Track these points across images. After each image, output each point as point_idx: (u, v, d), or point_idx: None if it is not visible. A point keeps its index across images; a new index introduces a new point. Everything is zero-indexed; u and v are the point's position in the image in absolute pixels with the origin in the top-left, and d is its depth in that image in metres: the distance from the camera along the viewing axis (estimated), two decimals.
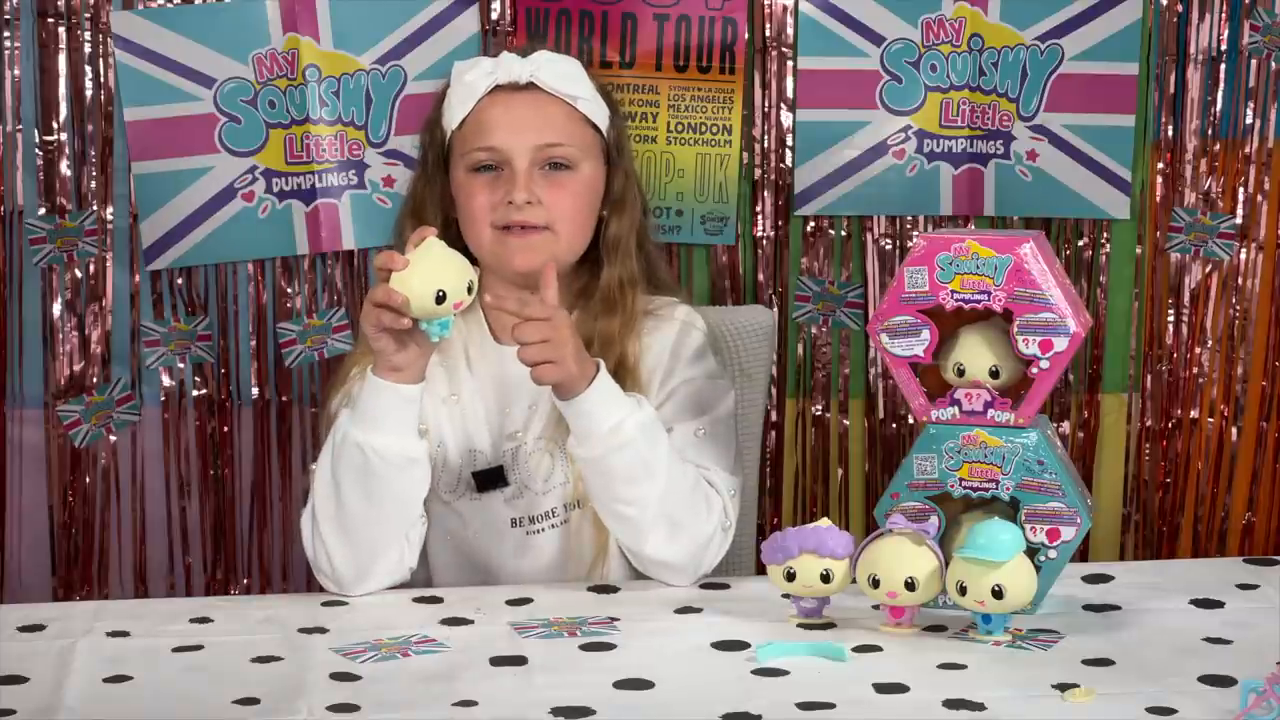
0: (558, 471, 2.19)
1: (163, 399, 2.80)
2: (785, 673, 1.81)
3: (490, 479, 2.20)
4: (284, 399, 2.81)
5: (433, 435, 2.20)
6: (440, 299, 1.97)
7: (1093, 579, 2.10)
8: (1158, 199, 2.86)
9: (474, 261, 2.21)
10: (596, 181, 2.24)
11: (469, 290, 1.99)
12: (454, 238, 2.20)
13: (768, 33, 2.80)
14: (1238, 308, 2.87)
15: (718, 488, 2.15)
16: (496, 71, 2.22)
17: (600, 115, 2.26)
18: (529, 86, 2.22)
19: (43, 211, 2.74)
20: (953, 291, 1.93)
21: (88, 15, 2.71)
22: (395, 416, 2.04)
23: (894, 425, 2.89)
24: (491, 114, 2.21)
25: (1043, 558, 1.95)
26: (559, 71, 2.23)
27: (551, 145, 2.20)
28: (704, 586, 2.12)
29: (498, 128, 2.20)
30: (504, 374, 2.22)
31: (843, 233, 2.85)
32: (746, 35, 2.79)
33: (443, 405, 2.22)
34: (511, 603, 2.06)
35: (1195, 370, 2.89)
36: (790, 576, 1.96)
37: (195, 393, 2.81)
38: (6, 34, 2.70)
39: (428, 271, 1.98)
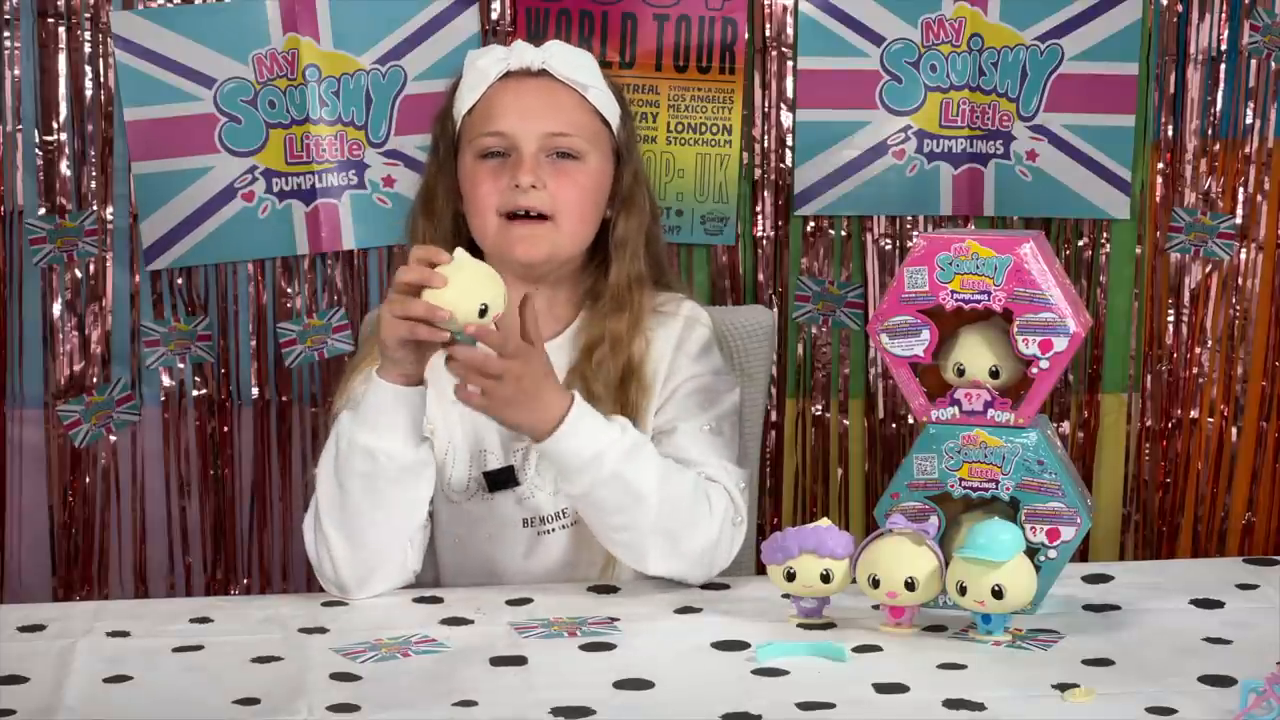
0: None
1: (163, 399, 2.80)
2: (785, 673, 1.81)
3: (501, 479, 2.19)
4: (284, 399, 2.81)
5: (441, 436, 2.20)
6: (483, 313, 1.96)
7: (1093, 579, 2.10)
8: (1158, 199, 2.86)
9: (478, 253, 2.22)
10: (603, 175, 2.24)
11: (504, 300, 1.99)
12: (466, 232, 2.20)
13: (768, 33, 2.80)
14: (1238, 308, 2.87)
15: (724, 484, 2.14)
16: (509, 58, 2.22)
17: (610, 109, 2.25)
18: (540, 73, 2.22)
19: (43, 211, 2.74)
20: (953, 291, 1.93)
21: (88, 15, 2.72)
22: (405, 420, 2.04)
23: (894, 425, 2.89)
24: (501, 99, 2.21)
25: (1043, 558, 1.95)
26: (571, 61, 2.23)
27: (560, 134, 2.19)
28: (704, 586, 2.11)
29: (507, 113, 2.20)
30: None
31: (843, 233, 2.85)
32: (746, 35, 2.79)
33: (452, 407, 2.21)
34: (511, 603, 2.06)
35: (1195, 370, 2.89)
36: (790, 576, 1.96)
37: (195, 393, 2.81)
38: (6, 34, 2.70)
39: (468, 286, 1.97)
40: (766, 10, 2.80)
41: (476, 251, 2.22)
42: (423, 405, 2.06)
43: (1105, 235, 2.85)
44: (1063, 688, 1.75)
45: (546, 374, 2.03)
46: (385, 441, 2.03)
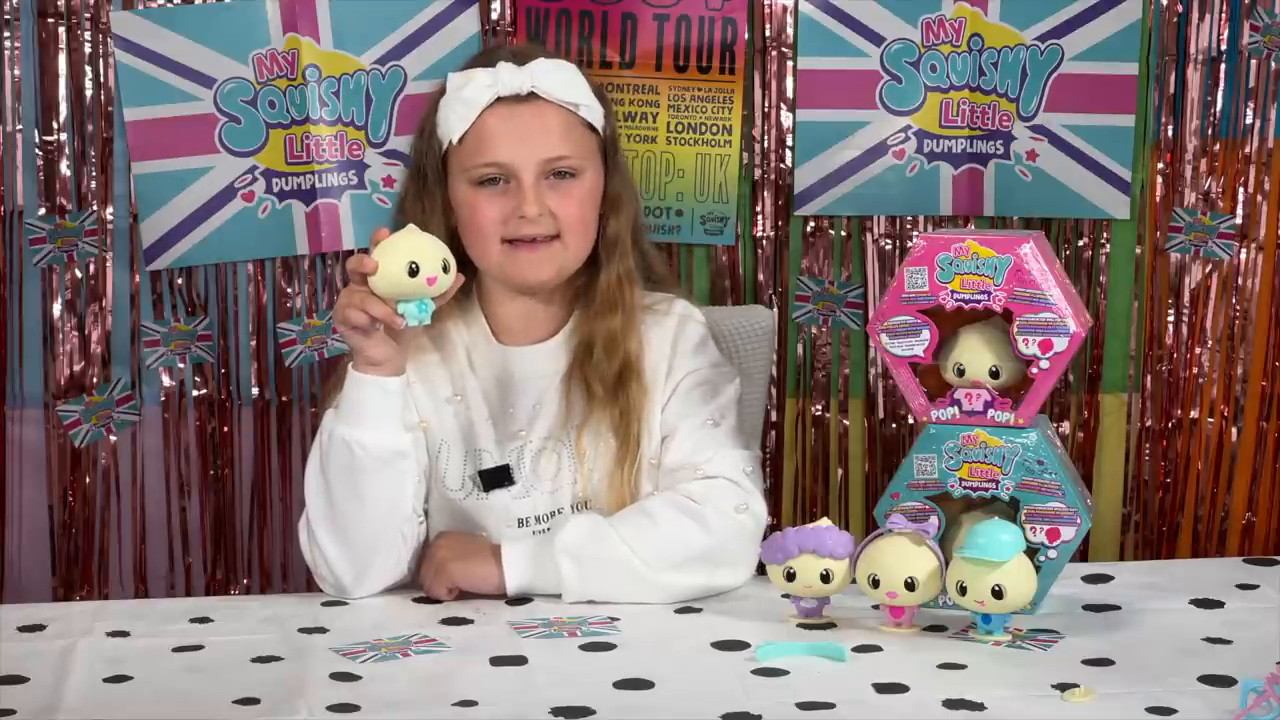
0: (564, 470, 2.19)
1: (163, 399, 2.80)
2: (785, 673, 1.81)
3: (496, 478, 2.20)
4: (284, 399, 2.81)
5: (435, 435, 2.20)
6: (413, 271, 1.97)
7: (1093, 579, 2.10)
8: (1158, 199, 2.85)
9: (468, 266, 2.21)
10: (598, 185, 2.24)
11: (444, 269, 1.99)
12: (457, 250, 2.19)
13: (768, 33, 2.80)
14: (1238, 308, 2.87)
15: (724, 476, 2.13)
16: (496, 84, 2.20)
17: (598, 117, 2.25)
18: (530, 96, 2.21)
19: (43, 211, 2.74)
20: (953, 291, 1.93)
21: (88, 15, 2.71)
22: (378, 410, 2.06)
23: (894, 425, 2.89)
24: (494, 127, 2.19)
25: (1043, 558, 1.95)
26: (559, 79, 2.21)
27: (558, 158, 2.19)
28: None
29: (502, 142, 2.18)
30: (507, 373, 2.22)
31: (843, 233, 2.85)
32: (746, 35, 2.79)
33: (446, 405, 2.22)
34: (511, 603, 2.06)
35: (1195, 370, 2.88)
36: (790, 576, 1.96)
37: (195, 393, 2.81)
38: (6, 34, 2.70)
39: (400, 247, 1.98)
40: (766, 10, 2.79)
41: (462, 265, 2.21)
42: (400, 395, 2.07)
43: (1105, 235, 2.85)
44: (1063, 688, 1.75)
45: (468, 534, 2.17)
46: (361, 432, 2.05)
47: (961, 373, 1.97)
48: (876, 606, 1.96)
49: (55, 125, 2.73)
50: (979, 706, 1.71)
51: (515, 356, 2.23)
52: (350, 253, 2.78)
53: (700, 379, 2.22)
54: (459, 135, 2.20)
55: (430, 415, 2.20)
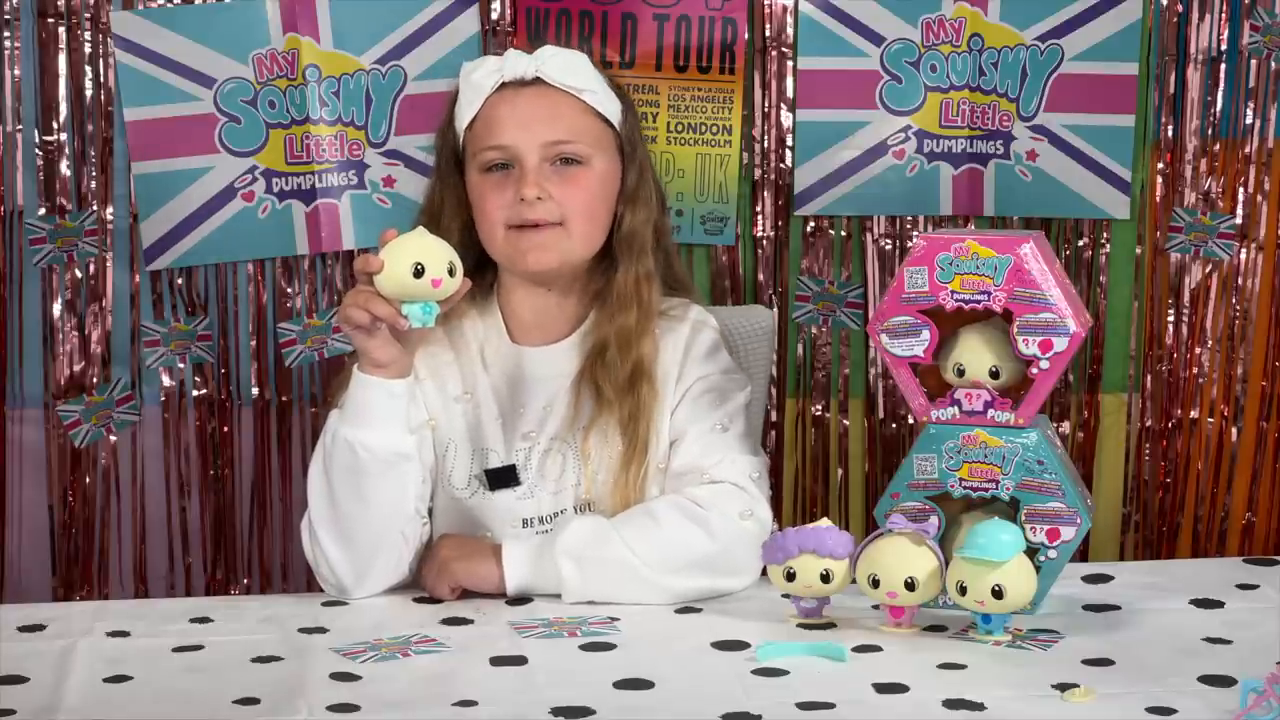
0: (569, 472, 2.18)
1: (163, 399, 2.80)
2: (785, 673, 1.81)
3: (502, 478, 2.19)
4: (284, 399, 2.81)
5: (443, 433, 2.20)
6: (418, 272, 1.97)
7: (1093, 579, 2.10)
8: (1158, 199, 2.86)
9: (491, 263, 2.21)
10: (611, 176, 2.23)
11: (450, 272, 1.99)
12: (474, 242, 2.19)
13: (768, 33, 2.80)
14: (1238, 308, 2.87)
15: (730, 480, 2.13)
16: (503, 69, 2.21)
17: (611, 108, 2.24)
18: (535, 82, 2.21)
19: (43, 211, 2.74)
20: (953, 291, 1.93)
21: (88, 15, 2.72)
22: (383, 412, 2.05)
23: (894, 425, 2.89)
24: (499, 111, 2.20)
25: (1043, 558, 1.95)
26: (564, 65, 2.22)
27: (560, 141, 2.19)
28: None
29: (506, 125, 2.19)
30: (520, 373, 2.22)
31: (843, 233, 2.85)
32: (746, 35, 2.79)
33: (455, 403, 2.21)
34: (511, 603, 2.06)
35: (1195, 370, 2.89)
36: (790, 576, 1.96)
37: (195, 393, 2.81)
38: (6, 34, 2.70)
39: (407, 248, 1.98)
40: (766, 10, 2.80)
41: (486, 263, 2.22)
42: (405, 397, 2.07)
43: (1105, 235, 2.85)
44: (1063, 688, 1.75)
45: (469, 536, 2.17)
46: (365, 434, 2.05)
47: (961, 373, 1.97)
48: (876, 606, 1.96)
49: (55, 125, 2.73)
50: (979, 706, 1.71)
51: (529, 357, 2.23)
52: (350, 253, 2.78)
53: (710, 385, 2.21)
54: (468, 121, 2.21)
55: (439, 413, 2.20)
